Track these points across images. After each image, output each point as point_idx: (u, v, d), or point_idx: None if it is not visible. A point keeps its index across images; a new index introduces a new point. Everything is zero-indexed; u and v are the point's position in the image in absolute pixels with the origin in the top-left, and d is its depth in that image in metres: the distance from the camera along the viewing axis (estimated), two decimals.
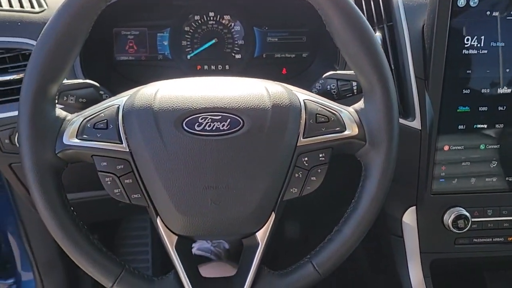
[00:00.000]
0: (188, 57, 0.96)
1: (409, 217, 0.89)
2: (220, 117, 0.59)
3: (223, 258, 1.37)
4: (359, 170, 0.66)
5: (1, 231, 1.34)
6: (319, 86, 0.74)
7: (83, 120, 0.60)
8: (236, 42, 0.96)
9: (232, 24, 0.95)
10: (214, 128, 0.59)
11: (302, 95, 0.64)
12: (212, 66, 0.96)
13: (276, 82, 0.64)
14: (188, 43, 0.95)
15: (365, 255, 1.33)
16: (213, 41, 0.95)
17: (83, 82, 0.70)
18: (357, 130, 0.62)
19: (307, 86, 0.72)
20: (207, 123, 0.59)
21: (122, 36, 0.94)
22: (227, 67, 0.97)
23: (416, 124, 0.81)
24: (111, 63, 0.95)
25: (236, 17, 0.95)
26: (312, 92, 0.68)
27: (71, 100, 0.69)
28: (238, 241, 0.66)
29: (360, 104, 0.64)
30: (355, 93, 0.73)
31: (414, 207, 0.88)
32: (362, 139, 0.62)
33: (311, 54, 0.97)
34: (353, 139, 0.62)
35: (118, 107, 0.60)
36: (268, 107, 0.60)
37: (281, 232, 1.41)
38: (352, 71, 0.64)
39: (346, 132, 0.62)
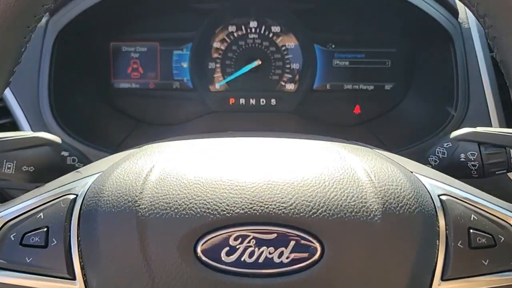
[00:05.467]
0: (217, 86, 0.81)
1: None
2: (275, 235, 0.34)
3: None
4: None
5: None
6: (443, 153, 0.50)
7: (2, 225, 0.38)
8: (288, 65, 0.80)
9: (283, 38, 0.81)
10: (262, 260, 0.34)
11: (432, 182, 0.38)
12: (251, 100, 0.83)
13: (371, 148, 0.43)
14: (218, 65, 0.80)
15: None
16: (255, 63, 0.80)
17: (32, 137, 0.50)
18: None
19: (397, 142, 0.61)
20: (246, 248, 0.34)
21: (122, 54, 0.80)
22: (273, 102, 0.82)
23: None
24: (105, 92, 0.81)
25: (290, 28, 0.80)
26: (428, 165, 0.49)
27: (8, 167, 0.48)
28: None
29: None
30: None
31: None
32: None
33: (398, 85, 0.80)
34: None
35: (75, 200, 0.38)
36: (376, 216, 0.35)
37: None
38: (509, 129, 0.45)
39: None
